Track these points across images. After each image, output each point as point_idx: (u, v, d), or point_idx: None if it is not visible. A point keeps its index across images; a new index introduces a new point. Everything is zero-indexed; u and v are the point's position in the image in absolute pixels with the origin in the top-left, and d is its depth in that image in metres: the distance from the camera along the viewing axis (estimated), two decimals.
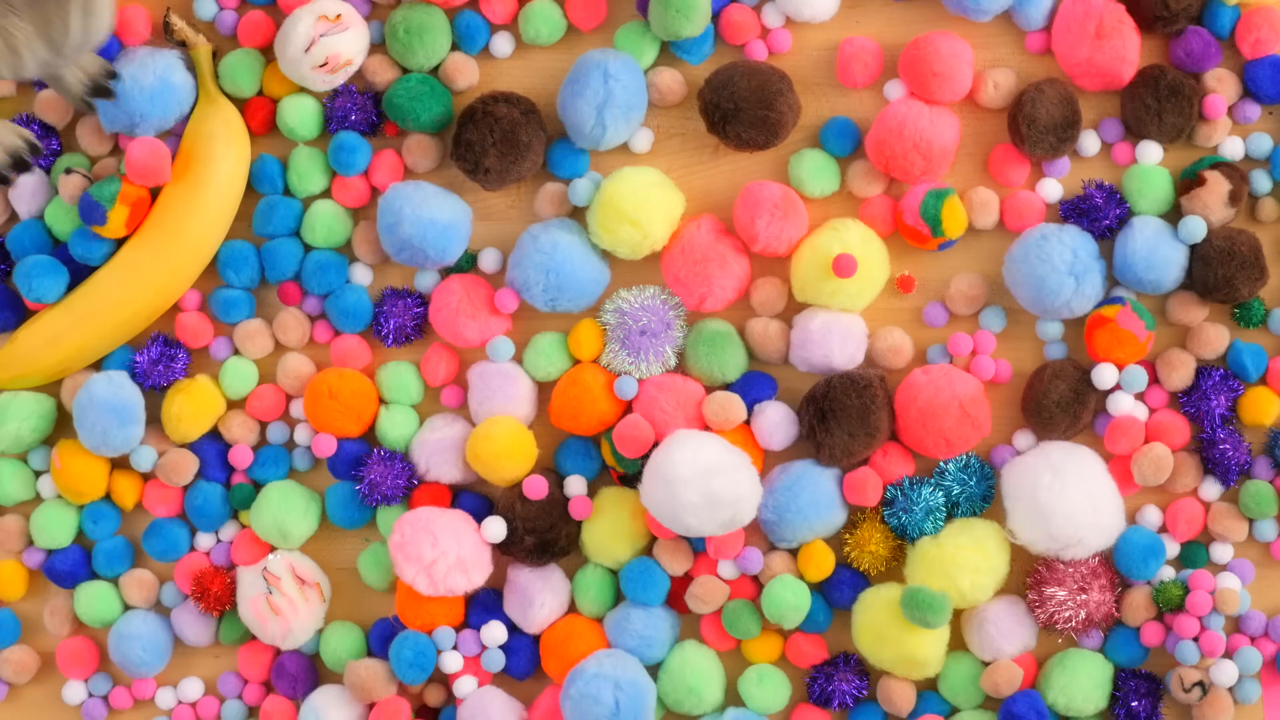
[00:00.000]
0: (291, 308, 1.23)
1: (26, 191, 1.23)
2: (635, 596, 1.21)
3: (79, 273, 1.23)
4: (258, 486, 1.25)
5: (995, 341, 1.20)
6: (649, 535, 1.22)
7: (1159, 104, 1.17)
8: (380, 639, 1.24)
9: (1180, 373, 1.18)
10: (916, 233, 1.18)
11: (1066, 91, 1.17)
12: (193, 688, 1.26)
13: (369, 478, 1.22)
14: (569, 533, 1.22)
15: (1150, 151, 1.19)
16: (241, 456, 1.24)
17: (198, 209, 1.20)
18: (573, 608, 1.23)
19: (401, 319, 1.22)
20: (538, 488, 1.21)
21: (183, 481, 1.24)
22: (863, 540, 1.20)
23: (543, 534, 1.21)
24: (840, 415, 1.18)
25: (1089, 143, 1.19)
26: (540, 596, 1.22)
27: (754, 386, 1.21)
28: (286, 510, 1.23)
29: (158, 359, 1.22)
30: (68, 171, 1.22)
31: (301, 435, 1.24)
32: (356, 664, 1.22)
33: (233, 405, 1.24)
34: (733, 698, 1.23)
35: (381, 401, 1.24)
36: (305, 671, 1.24)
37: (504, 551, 1.22)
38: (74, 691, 1.26)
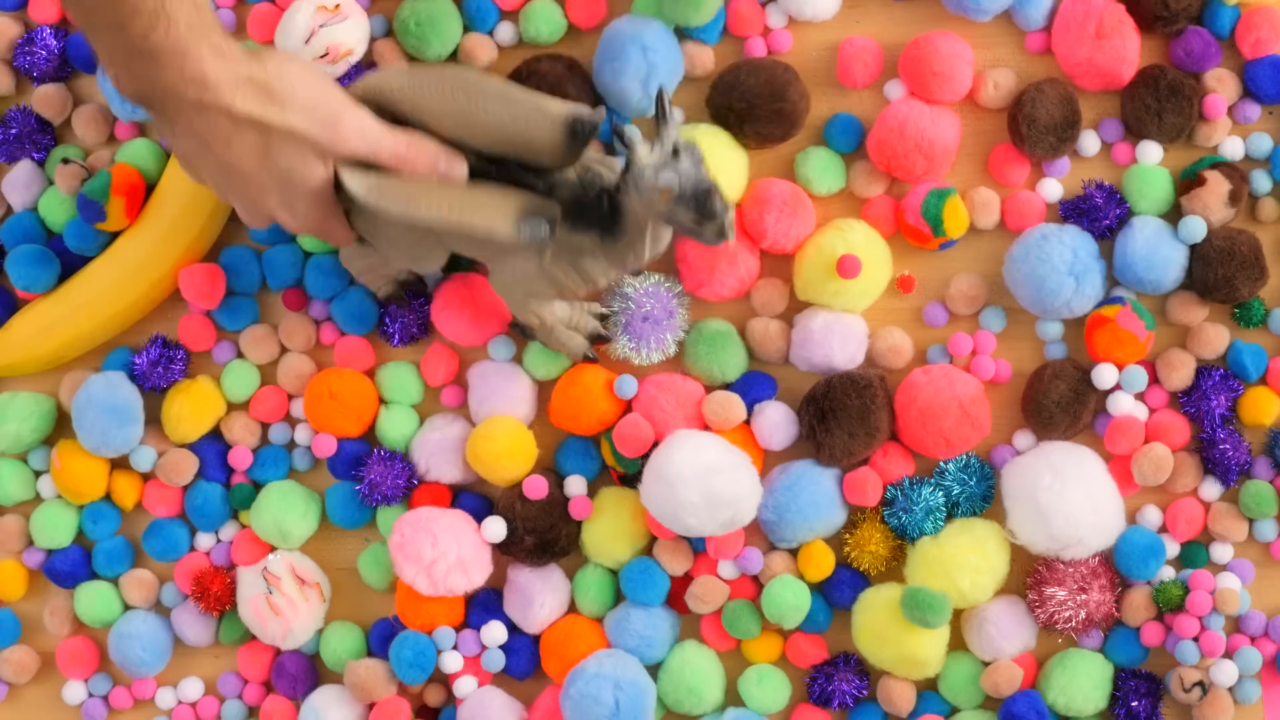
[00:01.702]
0: (296, 313, 1.23)
1: (20, 183, 1.23)
2: (635, 596, 1.21)
3: (75, 264, 1.23)
4: (258, 486, 1.24)
5: (995, 341, 1.20)
6: (649, 535, 1.22)
7: (1159, 104, 1.17)
8: (380, 639, 1.24)
9: (1180, 373, 1.18)
10: (918, 232, 1.18)
11: (1066, 91, 1.17)
12: (193, 688, 1.26)
13: (369, 478, 1.22)
14: (569, 533, 1.21)
15: (1150, 151, 1.18)
16: (241, 458, 1.24)
17: (195, 201, 1.20)
18: (573, 608, 1.23)
19: (407, 318, 1.22)
20: (538, 487, 1.21)
21: (183, 481, 1.24)
22: (863, 540, 1.20)
23: (543, 534, 1.21)
24: (840, 415, 1.17)
25: (1089, 143, 1.19)
26: (540, 597, 1.22)
27: (754, 386, 1.20)
28: (286, 510, 1.22)
29: (157, 360, 1.22)
30: (64, 162, 1.22)
31: (302, 435, 1.24)
32: (356, 664, 1.22)
33: (234, 408, 1.24)
34: (733, 698, 1.23)
35: (382, 401, 1.23)
36: (305, 671, 1.24)
37: (504, 551, 1.22)
38: (74, 691, 1.26)
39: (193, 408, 1.22)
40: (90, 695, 1.26)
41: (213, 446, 1.24)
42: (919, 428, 1.18)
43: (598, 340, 1.18)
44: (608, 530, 1.21)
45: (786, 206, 1.18)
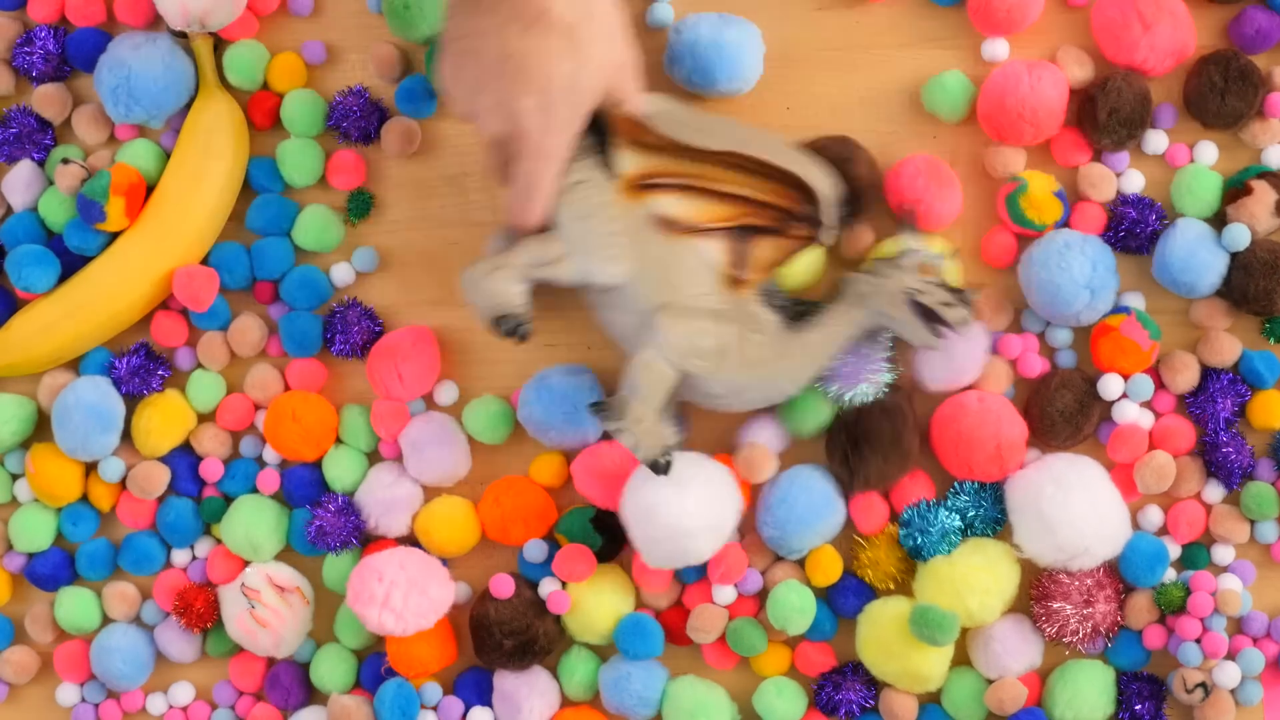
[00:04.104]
0: (247, 314, 1.22)
1: (21, 183, 1.22)
2: (635, 653, 1.20)
3: (76, 264, 1.22)
4: (229, 500, 1.23)
5: (1038, 343, 1.20)
6: (631, 599, 1.21)
7: (1225, 84, 1.16)
8: (371, 674, 1.23)
9: (1184, 375, 1.18)
10: (1023, 232, 1.18)
11: (1145, 88, 1.17)
12: (184, 692, 1.24)
13: (318, 523, 1.21)
14: (547, 631, 1.20)
15: (1206, 152, 1.18)
16: (213, 470, 1.23)
17: (195, 201, 1.20)
18: (561, 695, 1.23)
19: (351, 332, 1.21)
20: (504, 586, 1.20)
21: (155, 494, 1.22)
22: (878, 559, 1.19)
23: (520, 635, 1.19)
24: (874, 441, 1.17)
25: (1156, 141, 1.18)
26: (528, 702, 1.21)
27: None
28: (257, 524, 1.21)
29: (137, 369, 1.21)
30: (64, 162, 1.21)
31: (271, 452, 1.23)
32: (340, 698, 1.21)
33: (204, 419, 1.23)
34: (746, 713, 1.21)
35: (338, 440, 1.23)
36: (299, 683, 1.23)
37: (484, 660, 1.21)
38: (68, 694, 1.24)
39: (161, 421, 1.21)
40: (83, 700, 1.25)
41: (184, 459, 1.23)
42: (950, 447, 1.17)
43: (656, 467, 1.15)
44: (588, 608, 1.20)
45: (933, 181, 1.17)
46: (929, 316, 1.13)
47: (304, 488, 1.22)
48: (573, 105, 1.07)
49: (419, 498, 1.22)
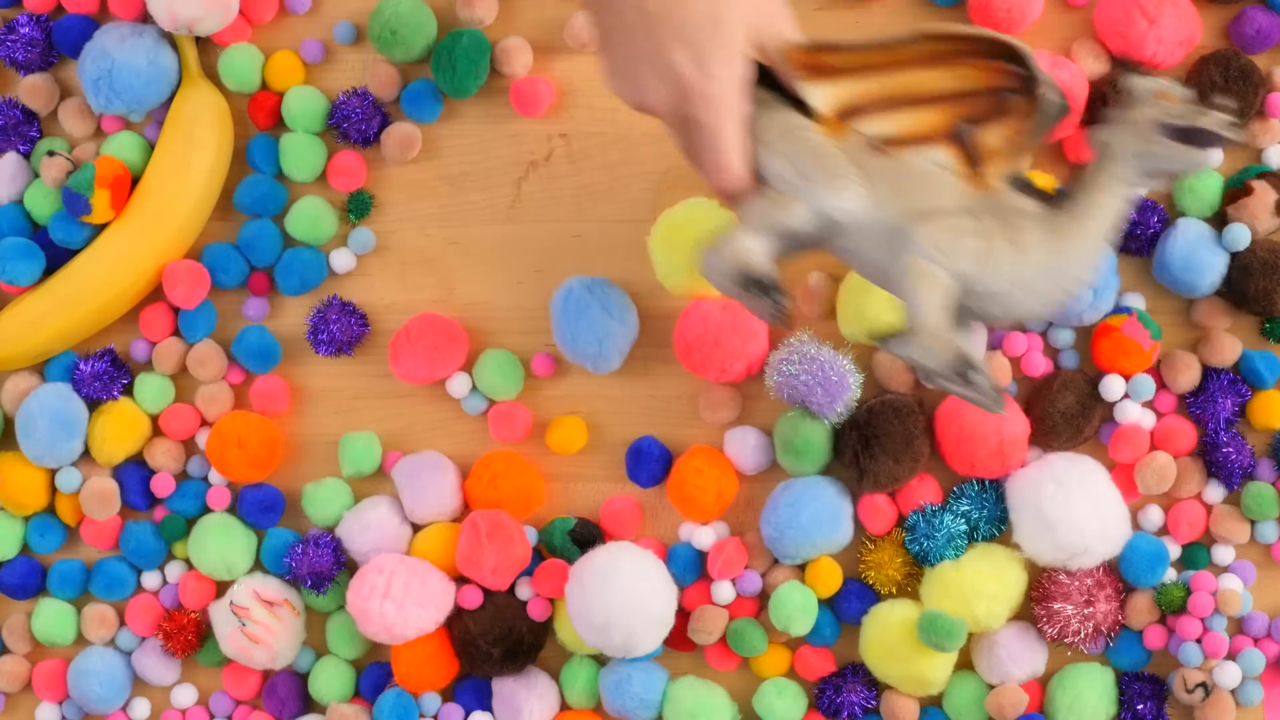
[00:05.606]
0: (208, 340, 1.21)
1: (6, 175, 1.20)
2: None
3: (61, 257, 1.20)
4: (185, 518, 1.21)
5: (1042, 342, 1.19)
6: None
7: (1225, 84, 1.17)
8: (371, 684, 1.21)
9: (1186, 375, 1.18)
10: None
11: None
12: (186, 694, 1.22)
13: (314, 569, 1.19)
14: (531, 628, 1.19)
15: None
16: (164, 485, 1.21)
17: (180, 192, 1.18)
18: (562, 701, 1.21)
19: (334, 329, 1.19)
20: (473, 598, 1.19)
21: (108, 513, 1.20)
22: (882, 562, 1.18)
23: (505, 640, 1.18)
24: (885, 440, 1.16)
25: None
26: (528, 704, 1.19)
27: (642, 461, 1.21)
28: (229, 545, 1.19)
29: (100, 374, 1.19)
30: (50, 154, 1.19)
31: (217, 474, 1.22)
32: (339, 706, 1.20)
33: (156, 434, 1.21)
34: (747, 715, 1.20)
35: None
36: (295, 695, 1.21)
37: (479, 674, 1.20)
38: (47, 713, 1.22)
39: (115, 428, 1.19)
40: (63, 718, 1.22)
41: (136, 473, 1.21)
42: (953, 443, 1.17)
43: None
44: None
45: None
46: (1188, 138, 1.01)
47: (257, 512, 1.21)
48: (723, 46, 1.01)
49: (407, 534, 1.21)
